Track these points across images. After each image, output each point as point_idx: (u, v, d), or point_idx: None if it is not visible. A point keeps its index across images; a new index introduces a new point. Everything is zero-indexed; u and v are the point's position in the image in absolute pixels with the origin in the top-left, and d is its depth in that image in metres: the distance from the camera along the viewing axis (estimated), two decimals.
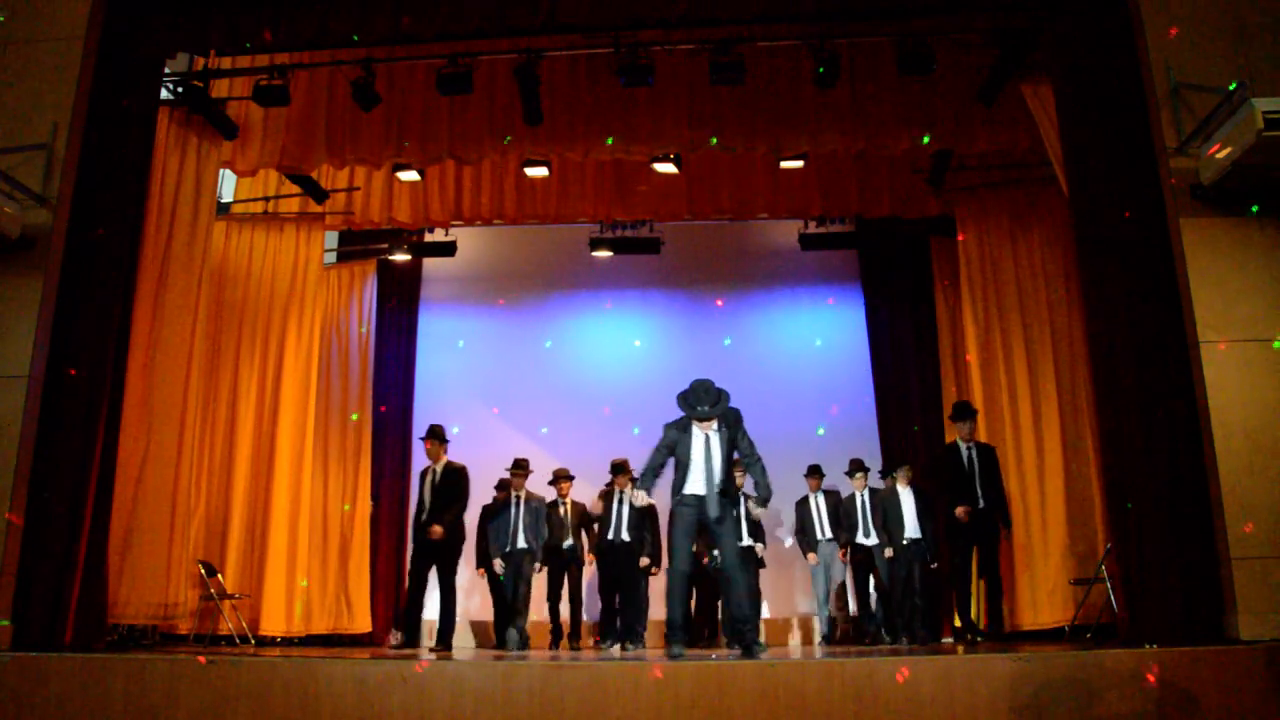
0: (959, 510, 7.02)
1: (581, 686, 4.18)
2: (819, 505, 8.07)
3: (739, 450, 5.64)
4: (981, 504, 7.07)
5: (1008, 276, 8.18)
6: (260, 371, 8.42)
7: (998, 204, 8.40)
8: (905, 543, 7.44)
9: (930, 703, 4.10)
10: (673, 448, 5.58)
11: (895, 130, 7.35)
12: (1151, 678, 4.13)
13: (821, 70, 6.78)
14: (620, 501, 7.80)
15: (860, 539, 7.79)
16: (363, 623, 8.83)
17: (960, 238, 8.45)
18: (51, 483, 5.56)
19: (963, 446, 7.28)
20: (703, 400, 5.49)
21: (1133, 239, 5.50)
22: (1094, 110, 5.77)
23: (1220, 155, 5.02)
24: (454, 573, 7.34)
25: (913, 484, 7.65)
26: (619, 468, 7.94)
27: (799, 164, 8.36)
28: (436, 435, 7.49)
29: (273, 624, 7.97)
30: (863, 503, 7.84)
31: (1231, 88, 5.04)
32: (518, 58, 7.05)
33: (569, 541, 7.97)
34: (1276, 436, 5.05)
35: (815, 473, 8.28)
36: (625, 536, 7.75)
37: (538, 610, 7.96)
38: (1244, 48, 5.45)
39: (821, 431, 9.33)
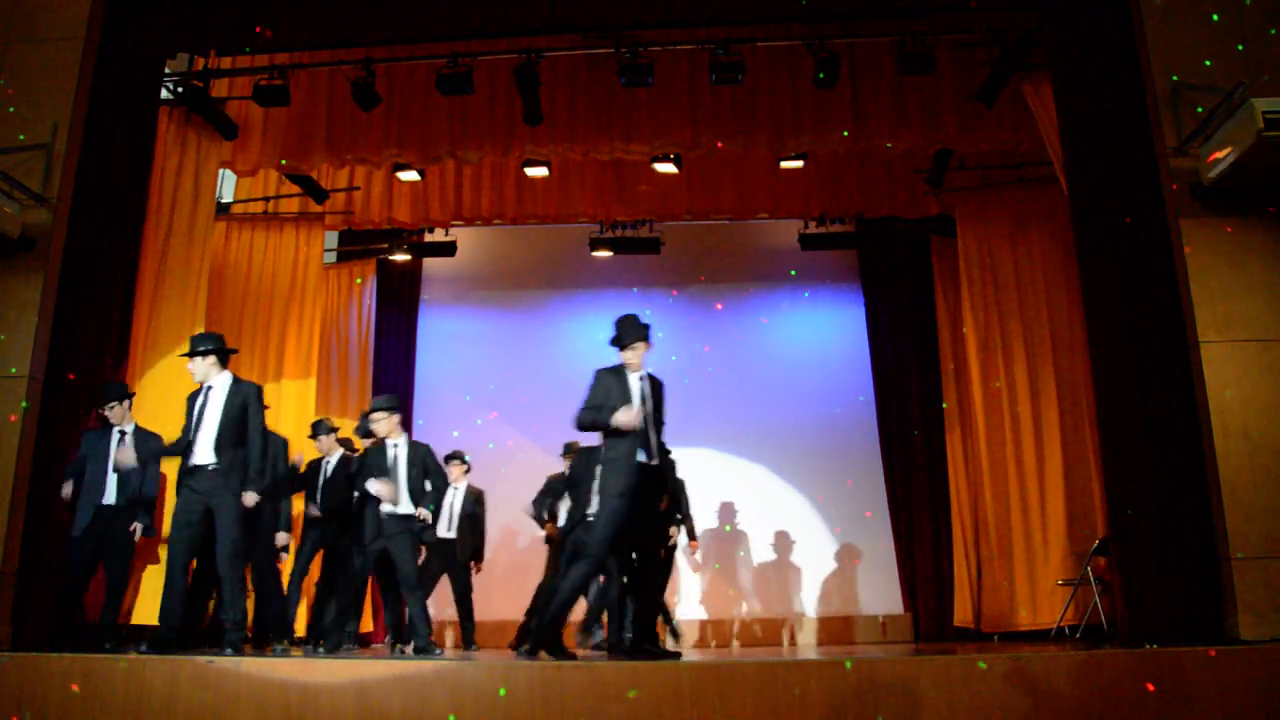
0: None
1: (583, 686, 4.17)
2: None
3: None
4: None
5: (1008, 276, 8.18)
6: (260, 371, 8.39)
7: (998, 204, 8.40)
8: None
9: (930, 703, 4.10)
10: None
11: (895, 130, 7.35)
12: (1150, 681, 4.13)
13: (821, 75, 6.78)
14: None
15: None
16: (362, 623, 8.80)
17: (960, 238, 8.45)
18: (51, 483, 5.55)
19: None
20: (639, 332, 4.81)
21: (1133, 239, 5.50)
22: (1094, 110, 5.76)
23: (1220, 155, 5.02)
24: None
25: None
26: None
27: (799, 164, 8.37)
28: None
29: None
30: None
31: (1231, 88, 5.04)
32: (518, 58, 7.05)
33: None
34: (1276, 437, 5.05)
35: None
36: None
37: None
38: (1244, 48, 5.45)
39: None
